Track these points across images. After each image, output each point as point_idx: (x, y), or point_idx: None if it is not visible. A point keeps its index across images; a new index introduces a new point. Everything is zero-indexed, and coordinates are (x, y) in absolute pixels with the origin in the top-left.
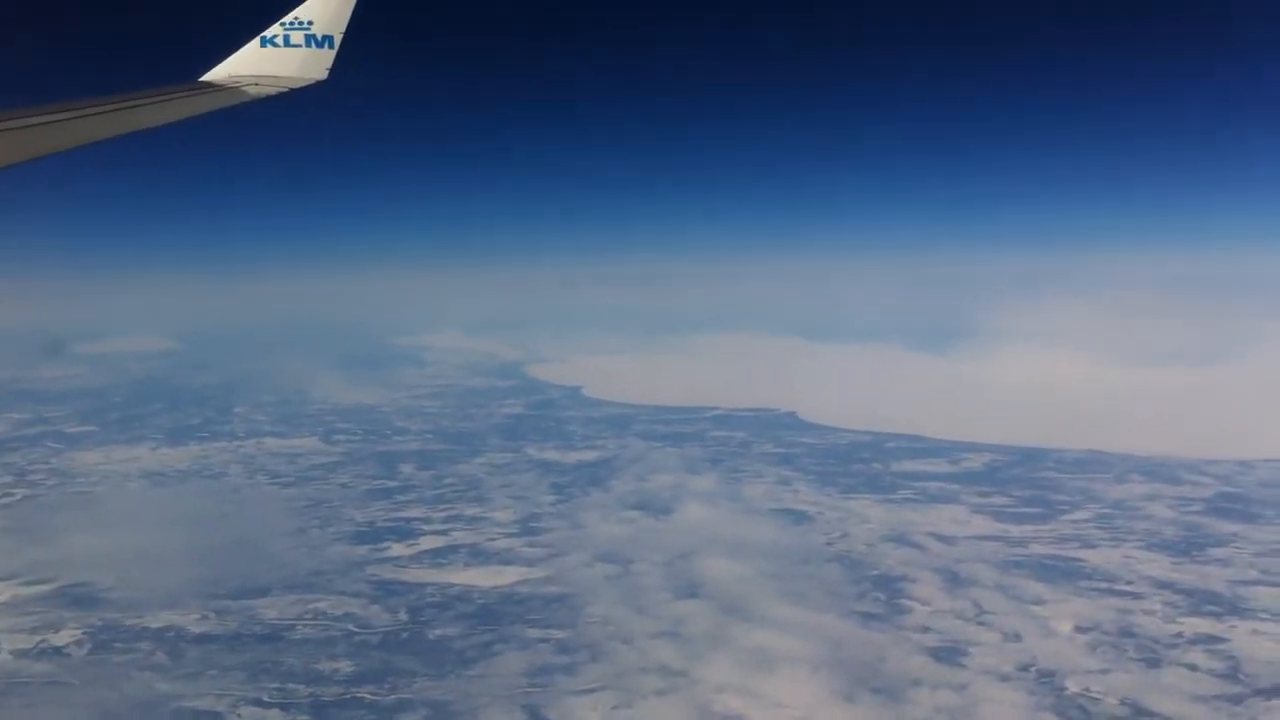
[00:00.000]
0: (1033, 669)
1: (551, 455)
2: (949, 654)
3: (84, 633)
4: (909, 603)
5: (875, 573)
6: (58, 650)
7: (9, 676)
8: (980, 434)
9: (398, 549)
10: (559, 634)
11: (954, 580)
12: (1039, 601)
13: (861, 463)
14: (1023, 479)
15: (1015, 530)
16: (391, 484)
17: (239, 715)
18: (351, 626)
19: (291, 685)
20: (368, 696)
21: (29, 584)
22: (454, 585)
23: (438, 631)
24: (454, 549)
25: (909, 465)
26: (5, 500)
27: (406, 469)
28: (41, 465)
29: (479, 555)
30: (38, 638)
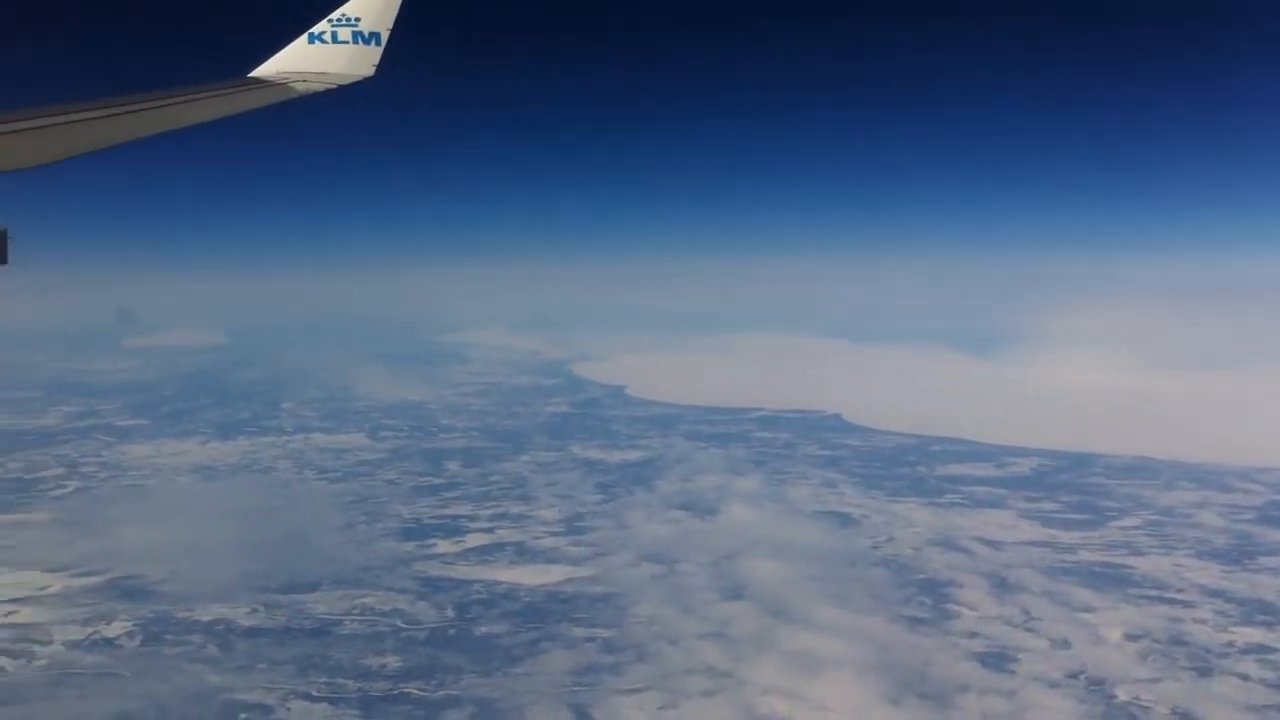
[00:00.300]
0: (1082, 676)
1: (596, 454)
2: (997, 660)
3: (135, 625)
4: (956, 608)
5: (922, 577)
6: (109, 642)
7: (62, 668)
8: (1027, 438)
9: (444, 546)
10: (605, 633)
11: (1002, 586)
12: (1088, 608)
13: (907, 466)
14: (1071, 484)
15: (1063, 536)
16: (437, 481)
17: (289, 709)
18: (399, 622)
19: (340, 680)
20: (415, 692)
21: (81, 576)
22: (500, 583)
23: (484, 629)
24: (500, 546)
25: (955, 469)
26: (57, 492)
27: (452, 466)
28: (93, 458)
29: (525, 553)
30: (90, 629)
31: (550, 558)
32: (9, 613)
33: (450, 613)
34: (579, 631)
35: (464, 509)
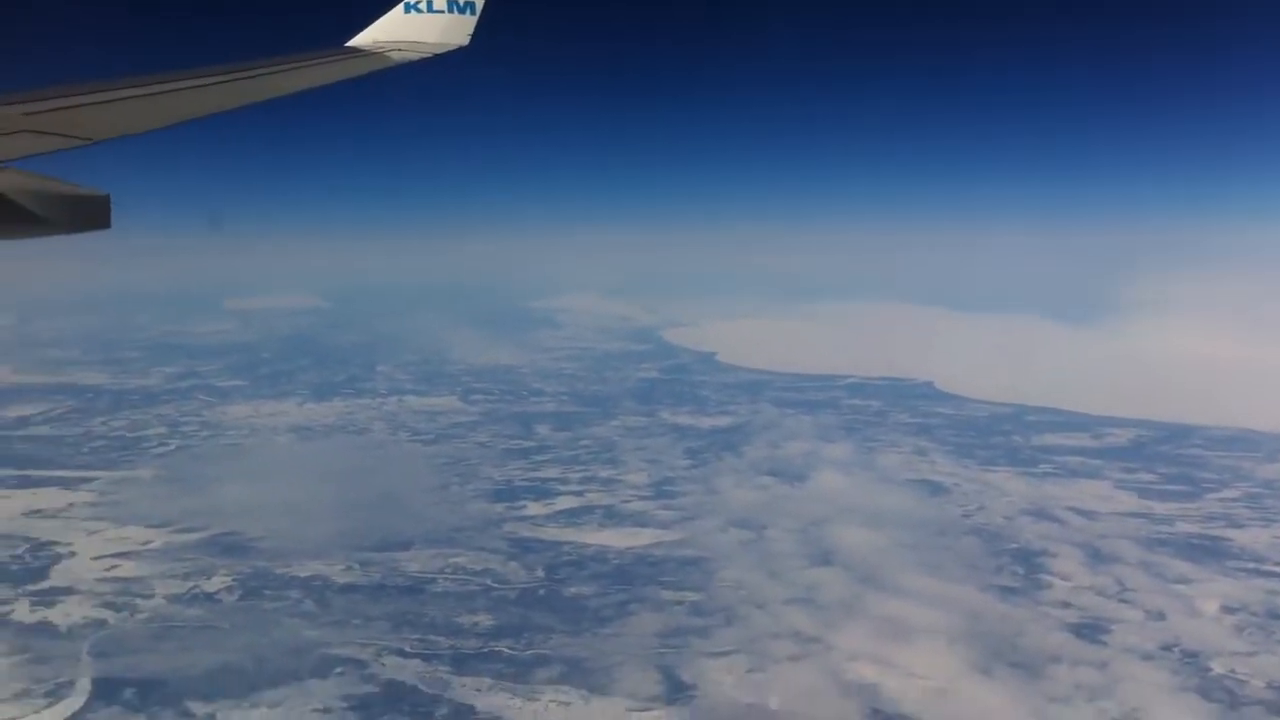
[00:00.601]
0: (1176, 649)
1: (685, 420)
2: (1090, 631)
3: (234, 580)
4: (1049, 578)
5: (1014, 546)
6: (209, 596)
7: (163, 620)
8: (1124, 409)
9: (534, 508)
10: (693, 597)
11: (1096, 556)
12: (1184, 580)
13: (1000, 435)
14: (1168, 456)
15: (1160, 508)
16: (528, 444)
17: (383, 664)
18: (490, 582)
19: (433, 637)
20: (506, 650)
21: (182, 531)
22: (589, 545)
23: (573, 590)
24: (589, 510)
25: (1049, 439)
26: (159, 450)
27: (543, 430)
28: (193, 417)
29: (614, 516)
30: (190, 583)
31: (639, 521)
32: (112, 566)
33: (540, 573)
34: (667, 594)
35: (554, 472)
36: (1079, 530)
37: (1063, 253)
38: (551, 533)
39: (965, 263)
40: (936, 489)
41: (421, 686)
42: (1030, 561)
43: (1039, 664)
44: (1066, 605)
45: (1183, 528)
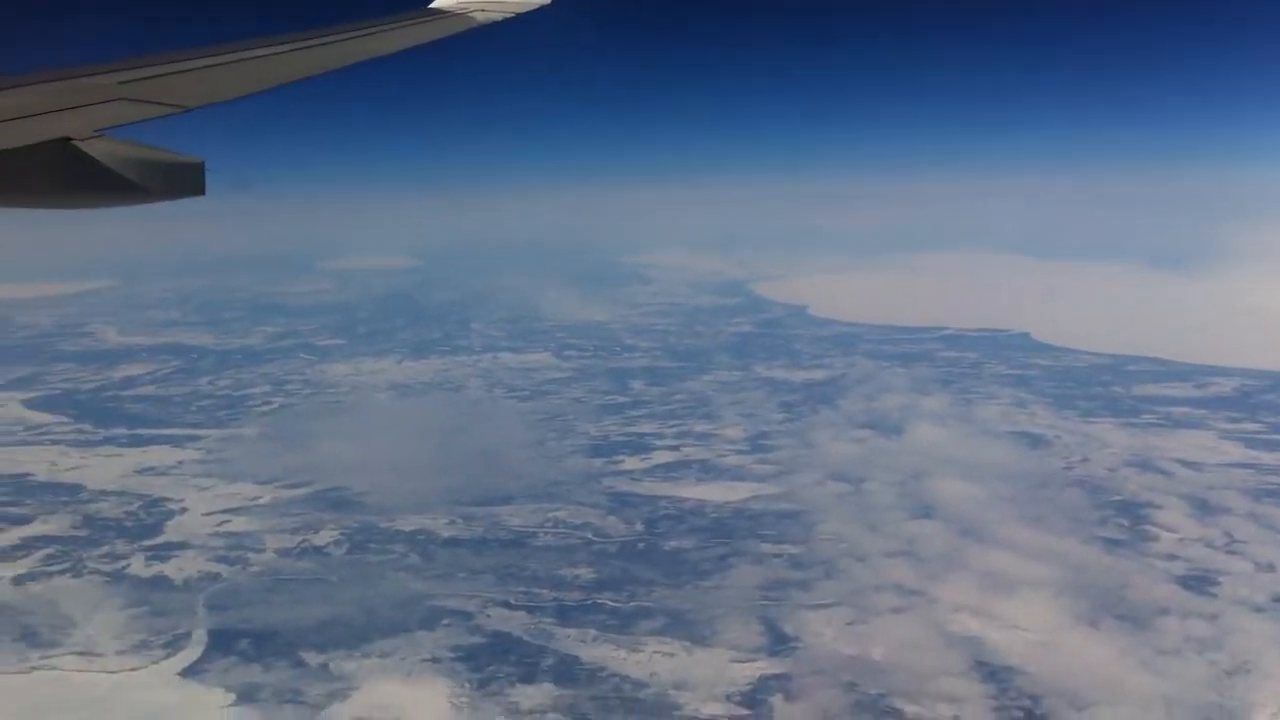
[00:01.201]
0: None
1: (779, 374)
2: (1198, 583)
3: (342, 534)
4: (1154, 529)
5: (1118, 498)
6: (318, 550)
7: (275, 574)
8: (1229, 358)
9: (631, 462)
10: (792, 550)
11: (1202, 508)
12: None
13: (1101, 386)
14: (1275, 405)
15: (1267, 458)
16: (623, 399)
17: (488, 615)
18: (590, 535)
19: (536, 590)
20: (609, 603)
21: (289, 487)
22: (687, 499)
23: (673, 543)
24: (686, 464)
25: (1151, 389)
26: (264, 408)
27: (637, 385)
28: (296, 376)
29: (710, 470)
30: (299, 538)
31: (736, 475)
32: (223, 522)
33: (639, 527)
34: (766, 547)
35: (650, 427)
36: (1184, 482)
37: (1157, 199)
38: (649, 487)
39: (1058, 211)
40: (1037, 441)
41: (527, 638)
42: (1135, 513)
43: (1147, 616)
44: (1173, 557)
45: None
